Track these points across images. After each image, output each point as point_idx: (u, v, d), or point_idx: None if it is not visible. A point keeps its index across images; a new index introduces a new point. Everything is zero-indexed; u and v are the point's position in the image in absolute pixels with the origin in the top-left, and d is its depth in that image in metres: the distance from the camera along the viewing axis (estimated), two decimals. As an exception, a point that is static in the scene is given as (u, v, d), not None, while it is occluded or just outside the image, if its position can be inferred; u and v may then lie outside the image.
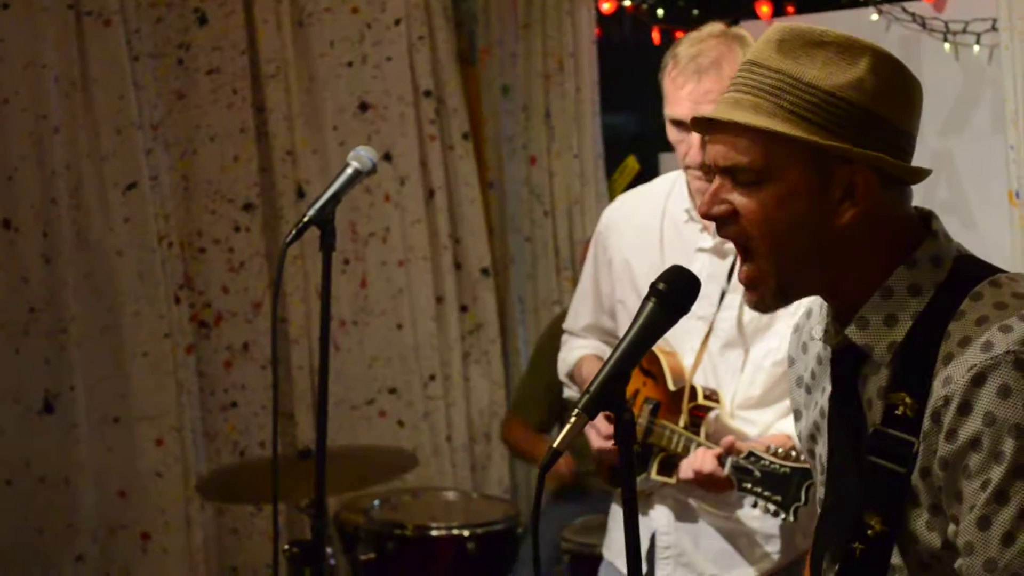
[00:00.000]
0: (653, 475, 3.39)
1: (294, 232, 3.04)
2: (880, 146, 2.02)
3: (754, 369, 3.38)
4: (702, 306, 3.39)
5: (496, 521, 4.84)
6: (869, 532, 2.03)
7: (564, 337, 3.84)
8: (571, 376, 3.77)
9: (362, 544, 4.79)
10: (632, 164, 6.29)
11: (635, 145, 6.67)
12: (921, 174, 2.08)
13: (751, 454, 3.17)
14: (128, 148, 5.15)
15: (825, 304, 2.16)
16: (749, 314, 3.35)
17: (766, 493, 3.13)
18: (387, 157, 5.69)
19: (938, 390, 1.96)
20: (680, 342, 3.47)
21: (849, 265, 2.06)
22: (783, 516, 3.12)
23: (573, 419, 1.98)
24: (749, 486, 3.16)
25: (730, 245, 3.31)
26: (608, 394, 2.01)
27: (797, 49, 2.03)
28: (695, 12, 5.64)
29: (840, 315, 2.11)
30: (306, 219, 3.05)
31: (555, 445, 1.97)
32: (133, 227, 5.16)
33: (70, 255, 5.07)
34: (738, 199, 2.05)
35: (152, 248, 5.18)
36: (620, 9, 5.87)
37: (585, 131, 6.03)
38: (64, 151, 5.06)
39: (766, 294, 2.10)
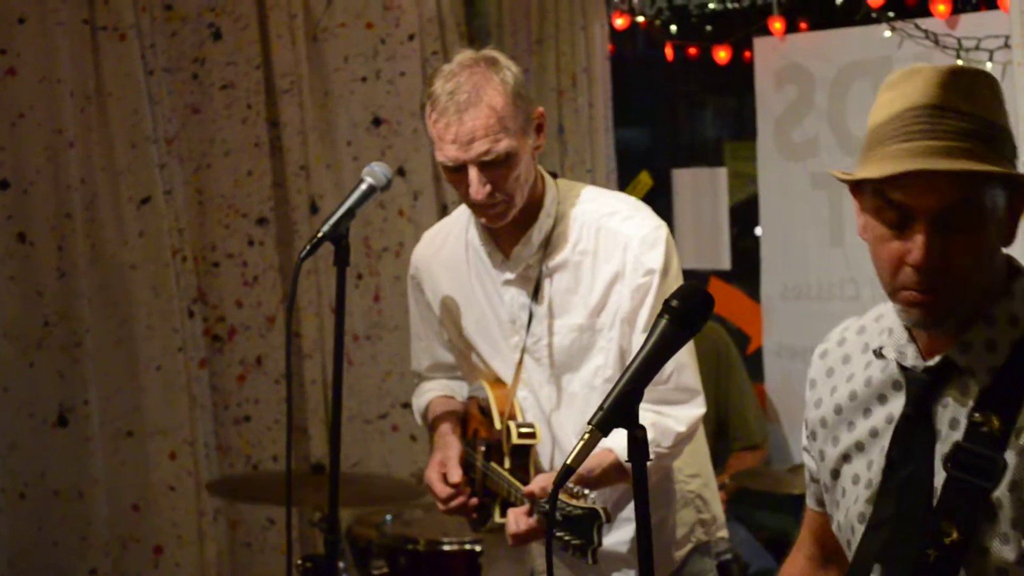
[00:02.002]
0: (497, 519, 3.32)
1: (309, 247, 3.05)
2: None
3: (587, 390, 3.31)
4: (513, 336, 3.37)
5: (508, 536, 4.84)
6: (946, 540, 2.11)
7: (415, 381, 3.77)
8: (425, 419, 3.71)
9: (374, 559, 4.80)
10: (645, 179, 6.29)
11: (648, 160, 6.69)
12: None
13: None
14: (142, 162, 5.17)
15: (894, 330, 2.23)
16: (567, 337, 3.29)
17: (567, 536, 2.99)
18: (401, 172, 5.70)
19: None
20: (501, 373, 3.43)
21: (978, 294, 2.16)
22: (584, 559, 3.00)
23: (587, 436, 2.00)
24: (556, 531, 3.01)
25: (533, 271, 3.28)
26: (620, 411, 2.02)
27: (963, 88, 2.10)
28: (708, 28, 5.65)
29: (932, 339, 2.18)
30: (321, 235, 3.07)
31: (568, 462, 1.99)
32: (147, 241, 5.18)
33: (85, 269, 5.08)
34: (955, 245, 2.08)
35: (166, 262, 5.19)
36: (633, 25, 5.88)
37: (598, 146, 6.04)
38: (79, 165, 5.08)
39: (942, 317, 2.14)
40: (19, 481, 5.02)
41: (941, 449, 2.15)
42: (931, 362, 2.18)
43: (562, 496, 3.00)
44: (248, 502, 5.28)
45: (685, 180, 6.43)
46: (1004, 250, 2.18)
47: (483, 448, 3.39)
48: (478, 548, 4.72)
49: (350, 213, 3.11)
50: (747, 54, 5.76)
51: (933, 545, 2.11)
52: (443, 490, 3.35)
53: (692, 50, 5.94)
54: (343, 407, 3.17)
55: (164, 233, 5.20)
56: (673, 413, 3.24)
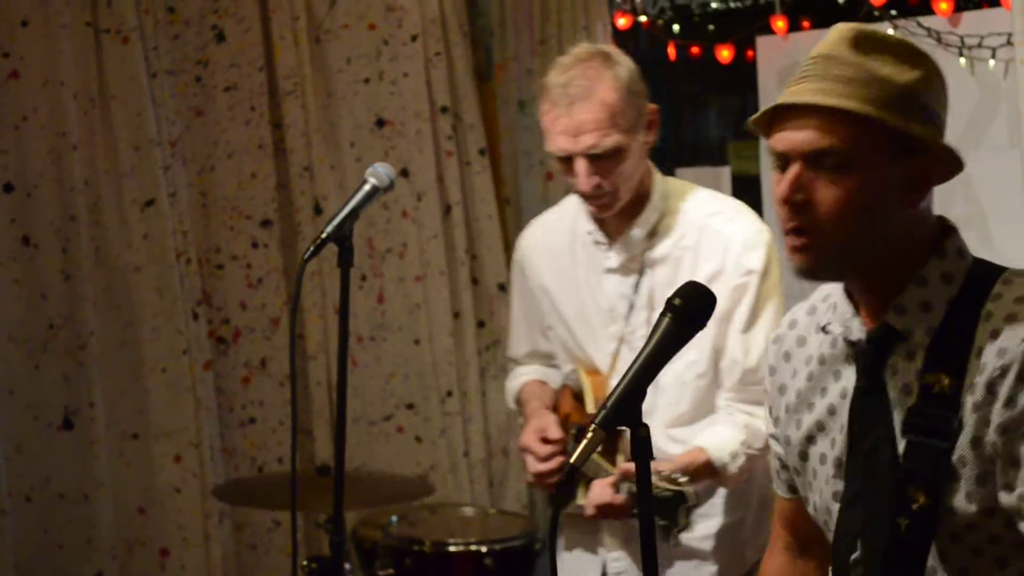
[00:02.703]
0: (579, 500, 3.37)
1: (312, 248, 3.05)
2: (941, 137, 2.17)
3: (679, 385, 3.36)
4: (611, 325, 3.40)
5: (514, 537, 4.84)
6: (914, 506, 2.12)
7: (509, 366, 3.83)
8: (517, 401, 3.75)
9: (380, 560, 4.79)
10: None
11: (651, 160, 6.67)
12: (959, 168, 2.21)
13: None
14: (146, 165, 5.17)
15: (838, 304, 2.25)
16: None
17: (654, 517, 3.08)
18: (404, 173, 5.70)
19: (992, 362, 2.07)
20: (598, 362, 3.45)
21: (895, 255, 2.18)
22: (667, 541, 3.06)
23: (590, 435, 2.01)
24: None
25: (635, 264, 3.32)
26: (624, 410, 2.04)
27: (868, 46, 2.15)
28: (711, 27, 5.65)
29: (871, 307, 2.21)
30: (324, 236, 3.07)
31: (572, 461, 1.99)
32: (151, 243, 5.18)
33: (89, 271, 5.09)
34: (820, 186, 2.12)
35: (170, 264, 5.20)
36: (636, 25, 5.88)
37: (601, 146, 6.03)
38: (83, 168, 5.08)
39: (815, 264, 2.17)
40: (25, 484, 5.02)
41: (899, 417, 2.17)
42: (871, 330, 2.20)
43: (655, 479, 3.08)
44: (254, 507, 5.27)
45: (693, 179, 6.42)
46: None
47: (574, 431, 3.45)
48: (484, 549, 4.72)
49: (354, 214, 3.11)
50: (750, 53, 5.75)
51: (903, 513, 2.12)
52: (543, 448, 3.39)
53: (695, 50, 5.93)
54: (347, 408, 3.17)
55: (168, 235, 5.20)
56: (764, 414, 3.28)
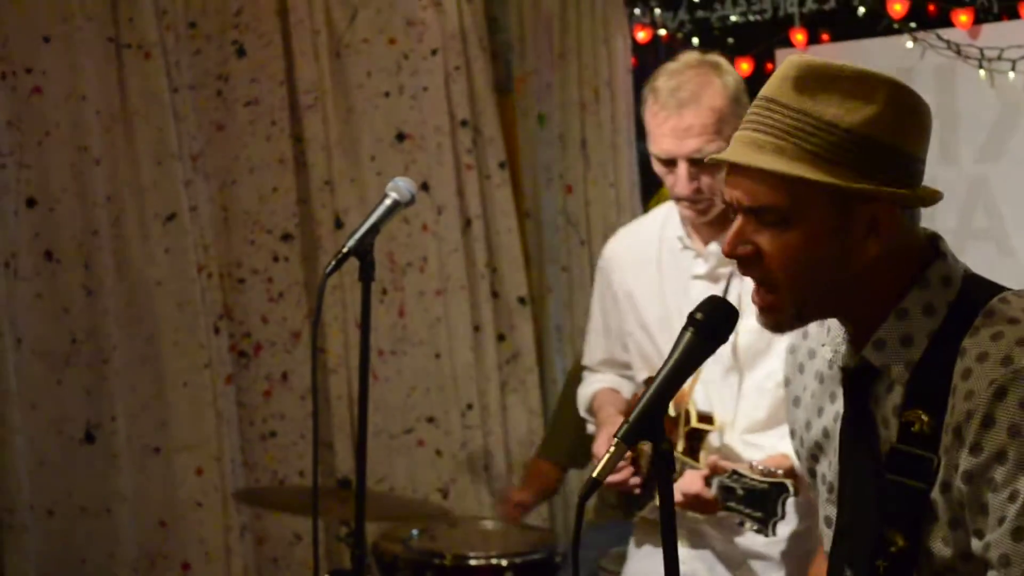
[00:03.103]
0: (657, 502, 3.40)
1: (334, 263, 3.06)
2: (898, 177, 2.05)
3: (757, 392, 3.39)
4: None
5: (534, 550, 4.84)
6: (892, 549, 2.06)
7: (584, 373, 3.86)
8: (589, 410, 3.78)
9: (401, 573, 4.80)
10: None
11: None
12: (935, 196, 2.11)
13: (734, 472, 3.19)
14: (168, 179, 5.19)
15: (833, 325, 2.20)
16: (746, 338, 3.37)
17: (747, 510, 3.15)
18: (424, 187, 5.71)
19: (960, 405, 1.99)
20: None
21: (867, 290, 2.10)
22: (764, 532, 3.13)
23: (612, 449, 2.00)
24: (732, 504, 3.18)
25: (723, 270, 3.38)
26: (647, 424, 2.02)
27: (814, 86, 2.05)
28: (730, 40, 5.64)
29: (855, 337, 2.15)
30: (346, 250, 3.08)
31: (594, 475, 1.99)
32: (173, 258, 5.20)
33: (111, 286, 5.11)
34: (763, 240, 2.08)
35: (192, 278, 5.21)
36: (655, 38, 5.88)
37: (621, 159, 6.03)
38: (105, 183, 5.10)
39: (783, 321, 2.14)
40: (47, 498, 5.04)
41: (883, 449, 2.11)
42: (852, 363, 2.15)
43: (745, 472, 3.16)
44: (275, 510, 5.29)
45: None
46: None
47: None
48: (504, 563, 4.72)
49: (375, 228, 3.12)
50: (769, 66, 5.74)
51: (881, 555, 2.08)
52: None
53: (715, 63, 5.93)
54: (368, 422, 3.18)
55: (190, 250, 5.22)
56: None
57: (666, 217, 3.59)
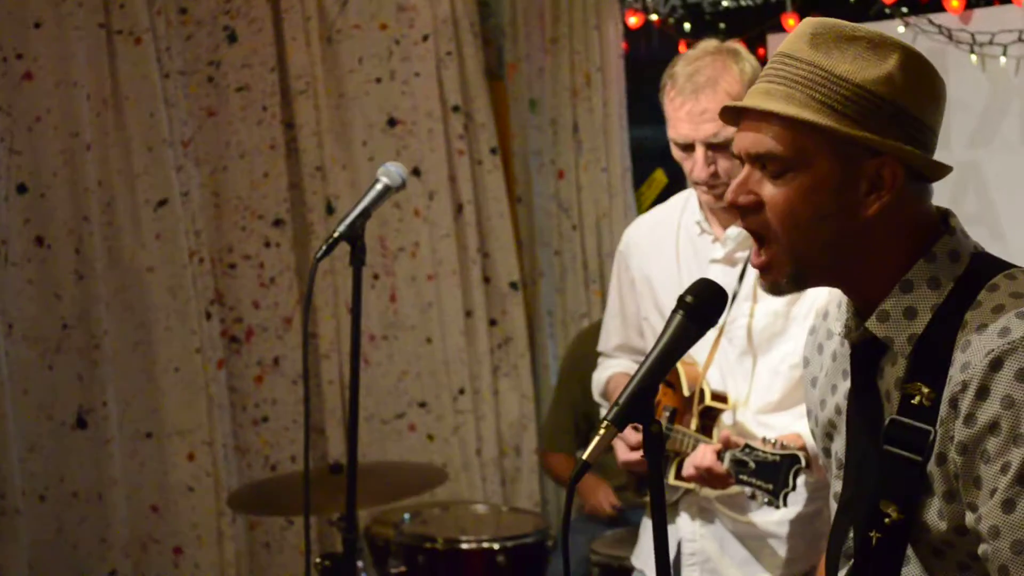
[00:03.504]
0: (671, 480, 3.44)
1: (325, 247, 3.06)
2: (907, 140, 2.06)
3: (771, 374, 3.42)
4: None
5: (526, 534, 4.85)
6: (886, 520, 2.06)
7: (599, 359, 3.89)
8: (603, 395, 3.82)
9: (393, 557, 4.81)
10: (660, 177, 6.30)
11: (662, 158, 6.66)
12: (944, 169, 2.12)
13: (747, 446, 3.22)
14: (159, 165, 5.18)
15: (844, 301, 2.20)
16: (761, 320, 3.41)
17: (758, 483, 3.19)
18: (416, 172, 5.72)
19: (956, 376, 1.99)
20: (694, 349, 3.51)
21: (870, 257, 2.10)
22: (775, 504, 3.17)
23: (602, 431, 2.00)
24: (744, 477, 3.21)
25: (741, 254, 3.41)
26: (636, 407, 2.02)
27: (829, 43, 2.07)
28: (722, 26, 5.65)
29: (860, 310, 2.15)
30: (336, 235, 3.08)
31: (584, 457, 1.98)
32: (164, 243, 5.20)
33: (102, 272, 5.10)
34: (766, 189, 2.09)
35: (183, 264, 5.21)
36: (647, 24, 5.88)
37: (613, 145, 6.04)
38: (96, 168, 5.10)
39: (780, 279, 2.13)
40: (39, 483, 5.04)
41: (884, 424, 2.10)
42: (856, 336, 2.15)
43: (757, 445, 3.20)
44: (268, 514, 5.29)
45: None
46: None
47: (667, 413, 3.50)
48: (496, 547, 4.74)
49: (366, 213, 3.12)
50: (761, 51, 5.75)
51: (875, 527, 2.08)
52: (634, 436, 3.45)
53: (706, 48, 5.93)
54: (360, 407, 3.18)
55: (181, 235, 5.21)
56: None
57: (685, 203, 3.64)
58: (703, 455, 3.31)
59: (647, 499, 3.66)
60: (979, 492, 1.98)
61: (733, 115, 2.15)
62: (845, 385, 2.22)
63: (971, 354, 1.98)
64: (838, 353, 2.26)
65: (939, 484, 2.03)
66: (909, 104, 2.06)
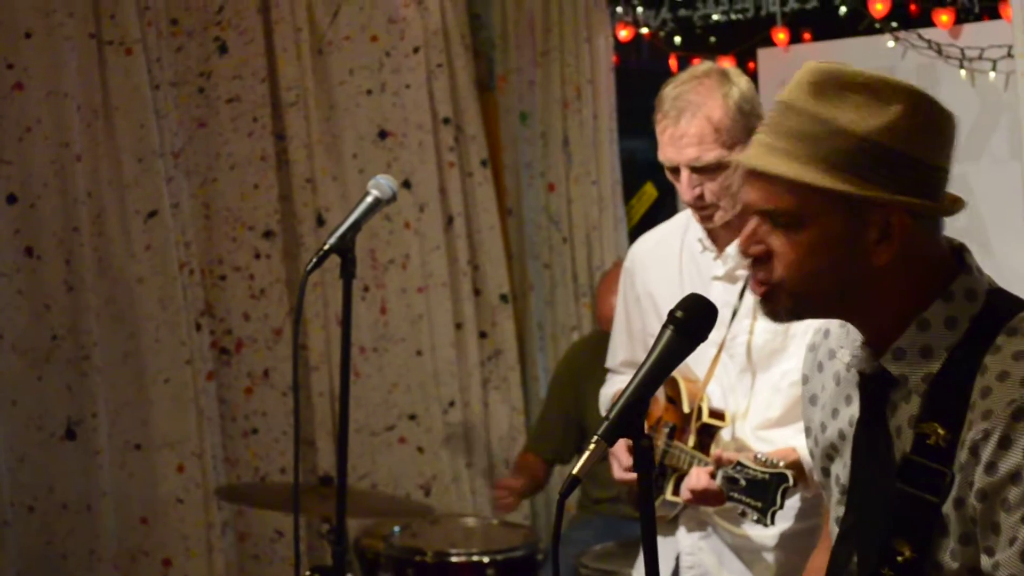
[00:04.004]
0: (668, 496, 3.45)
1: (315, 260, 3.07)
2: (914, 186, 2.05)
3: (772, 391, 3.43)
4: (714, 331, 3.45)
5: (516, 547, 4.85)
6: (899, 559, 2.07)
7: (607, 375, 3.91)
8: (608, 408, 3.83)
9: (382, 570, 4.81)
10: (650, 190, 6.30)
11: (653, 171, 6.66)
12: (957, 205, 2.12)
13: (738, 464, 3.23)
14: (149, 176, 5.18)
15: (851, 330, 2.20)
16: (762, 337, 3.43)
17: (748, 500, 3.20)
18: (406, 184, 5.72)
19: (977, 423, 2.00)
20: (694, 365, 3.52)
21: (881, 299, 2.10)
22: (763, 521, 3.17)
23: (592, 446, 2.00)
24: (735, 495, 3.23)
25: (741, 272, 3.41)
26: (627, 421, 2.02)
27: (830, 91, 2.06)
28: (712, 39, 5.65)
29: (872, 342, 2.15)
30: (327, 247, 3.08)
31: (574, 472, 1.99)
32: (154, 254, 5.19)
33: (92, 282, 5.10)
34: (775, 241, 2.09)
35: (173, 275, 5.21)
36: (637, 37, 5.88)
37: (603, 158, 6.05)
38: (86, 179, 5.09)
39: (779, 312, 2.15)
40: (28, 494, 5.03)
41: (896, 459, 2.11)
42: (869, 369, 2.15)
43: (748, 462, 3.20)
44: (257, 507, 5.29)
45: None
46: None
47: (666, 429, 3.52)
48: (486, 560, 4.73)
49: (356, 225, 3.13)
50: (751, 65, 5.75)
51: (887, 564, 2.08)
52: (628, 458, 3.46)
53: (696, 61, 5.90)
54: (350, 419, 3.18)
55: (171, 246, 5.21)
56: None
57: (688, 220, 3.66)
58: (697, 479, 3.33)
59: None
60: (998, 539, 1.99)
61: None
62: (848, 411, 2.22)
63: (992, 402, 1.99)
64: (842, 377, 2.26)
65: (955, 526, 2.04)
66: (914, 150, 2.05)
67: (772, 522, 3.16)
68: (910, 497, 2.07)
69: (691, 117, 3.34)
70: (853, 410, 2.21)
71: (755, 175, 2.10)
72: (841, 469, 2.25)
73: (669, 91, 3.42)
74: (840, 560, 2.21)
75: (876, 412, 2.15)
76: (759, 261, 2.12)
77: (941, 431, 2.04)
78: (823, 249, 2.06)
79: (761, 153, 2.09)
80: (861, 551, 2.15)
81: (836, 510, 2.26)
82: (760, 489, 3.17)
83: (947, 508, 2.04)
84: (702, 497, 3.33)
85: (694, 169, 3.36)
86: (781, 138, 2.07)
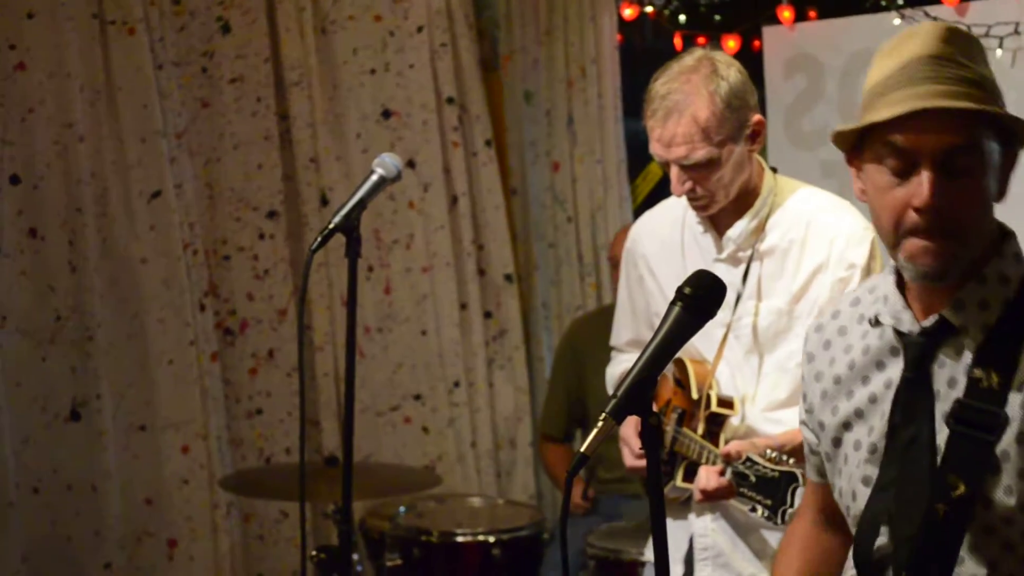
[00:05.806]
0: (679, 483, 3.45)
1: (320, 239, 3.05)
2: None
3: (779, 372, 3.43)
4: (720, 312, 3.45)
5: (522, 527, 4.85)
6: (954, 494, 2.16)
7: (612, 354, 3.90)
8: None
9: (388, 550, 4.80)
10: (655, 169, 6.29)
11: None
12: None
13: (748, 459, 3.23)
14: (153, 156, 5.17)
15: (889, 296, 2.30)
16: (766, 319, 3.43)
17: (758, 497, 3.21)
18: (410, 164, 5.71)
19: None
20: (702, 349, 3.51)
21: (981, 246, 2.25)
22: (774, 520, 3.18)
23: (600, 423, 1.99)
24: (745, 491, 3.24)
25: (743, 253, 3.40)
26: (634, 399, 2.02)
27: (966, 47, 2.24)
28: (717, 17, 5.64)
29: (925, 302, 2.25)
30: (332, 226, 3.07)
31: (583, 450, 1.98)
32: (158, 235, 5.18)
33: (96, 263, 5.09)
34: (954, 191, 2.16)
35: (177, 256, 5.20)
36: (642, 15, 5.87)
37: (608, 137, 6.04)
38: (89, 160, 5.08)
39: (951, 269, 2.20)
40: (32, 476, 5.03)
41: (941, 408, 2.21)
42: (927, 322, 2.24)
43: (758, 458, 3.21)
44: (261, 497, 5.29)
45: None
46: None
47: (675, 415, 3.52)
48: (491, 540, 4.73)
49: (361, 204, 3.11)
50: (756, 43, 5.75)
51: (942, 500, 2.16)
52: (639, 442, 3.44)
53: (701, 40, 5.92)
54: (355, 399, 3.17)
55: (175, 227, 5.20)
56: None
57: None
58: (707, 478, 3.34)
59: None
60: None
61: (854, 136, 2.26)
62: (883, 375, 2.32)
63: None
64: (871, 346, 2.34)
65: (1014, 462, 2.15)
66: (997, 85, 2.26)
67: (782, 520, 3.15)
68: (964, 436, 2.17)
69: (678, 118, 3.32)
70: (890, 373, 2.30)
71: (933, 116, 2.14)
72: (864, 433, 2.32)
73: (657, 88, 3.38)
74: (876, 512, 2.27)
75: (921, 368, 2.25)
76: (940, 214, 2.16)
77: (995, 376, 2.17)
78: (988, 192, 2.20)
79: (942, 97, 2.15)
80: (904, 498, 2.23)
81: (864, 469, 2.31)
82: (770, 487, 3.18)
83: (1004, 445, 2.15)
84: (714, 494, 3.35)
85: (683, 167, 3.35)
86: (954, 83, 2.17)
